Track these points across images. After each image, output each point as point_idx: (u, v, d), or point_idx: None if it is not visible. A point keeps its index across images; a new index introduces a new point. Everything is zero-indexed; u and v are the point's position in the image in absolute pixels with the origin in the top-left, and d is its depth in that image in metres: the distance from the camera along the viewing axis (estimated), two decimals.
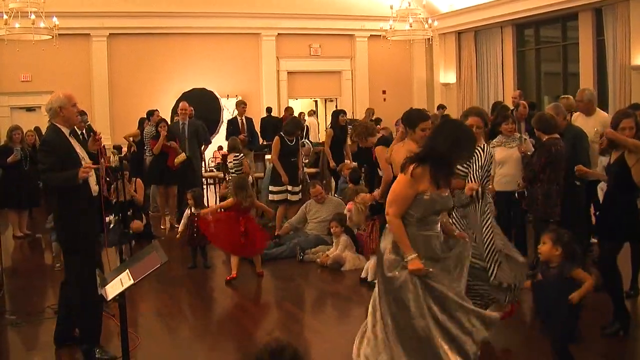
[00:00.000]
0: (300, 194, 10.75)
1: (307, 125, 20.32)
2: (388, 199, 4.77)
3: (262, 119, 18.41)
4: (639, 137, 6.04)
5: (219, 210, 8.93)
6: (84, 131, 8.92)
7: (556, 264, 4.95)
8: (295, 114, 19.89)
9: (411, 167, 4.65)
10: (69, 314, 5.92)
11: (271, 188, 10.66)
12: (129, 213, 9.49)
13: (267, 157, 13.97)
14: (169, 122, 16.20)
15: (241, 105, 14.75)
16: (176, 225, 12.05)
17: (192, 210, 9.10)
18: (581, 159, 7.79)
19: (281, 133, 10.79)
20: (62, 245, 5.85)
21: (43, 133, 6.48)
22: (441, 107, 19.62)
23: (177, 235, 9.41)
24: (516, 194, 8.02)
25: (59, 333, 6.02)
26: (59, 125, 5.66)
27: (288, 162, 10.52)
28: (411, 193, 4.65)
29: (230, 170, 11.73)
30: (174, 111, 18.62)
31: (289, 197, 10.57)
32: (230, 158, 11.85)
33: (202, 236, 9.00)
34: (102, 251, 7.06)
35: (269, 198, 10.74)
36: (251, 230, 8.56)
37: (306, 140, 17.95)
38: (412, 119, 6.29)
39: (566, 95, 11.37)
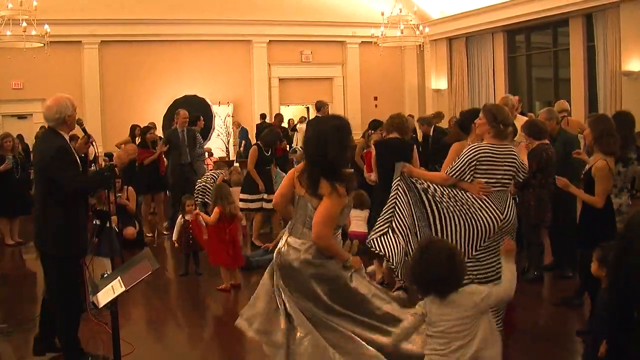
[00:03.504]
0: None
1: (296, 132, 20.37)
2: (320, 220, 4.40)
3: (257, 125, 18.45)
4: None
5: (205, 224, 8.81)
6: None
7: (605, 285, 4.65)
8: (286, 120, 19.95)
9: (338, 187, 4.39)
10: (51, 325, 5.80)
11: (244, 196, 10.56)
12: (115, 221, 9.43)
13: None
14: (162, 129, 16.25)
15: (325, 106, 14.42)
16: (165, 233, 12.08)
17: (186, 217, 9.07)
18: (573, 164, 7.82)
19: (259, 143, 10.81)
20: (55, 254, 5.56)
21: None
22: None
23: (175, 245, 9.35)
24: None
25: (38, 343, 5.90)
26: (62, 132, 5.59)
27: (263, 170, 10.52)
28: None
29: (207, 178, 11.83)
30: (166, 118, 18.62)
31: (264, 205, 10.53)
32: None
33: (197, 243, 8.98)
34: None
35: (241, 206, 10.62)
36: (237, 240, 8.56)
37: (297, 147, 17.97)
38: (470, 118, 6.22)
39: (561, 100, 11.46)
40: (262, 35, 21.62)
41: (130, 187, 11.00)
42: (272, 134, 10.98)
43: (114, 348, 4.52)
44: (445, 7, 21.59)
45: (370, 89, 23.08)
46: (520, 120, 8.56)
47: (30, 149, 13.84)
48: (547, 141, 7.63)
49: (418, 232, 5.46)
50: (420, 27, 19.28)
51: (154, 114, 18.66)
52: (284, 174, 12.49)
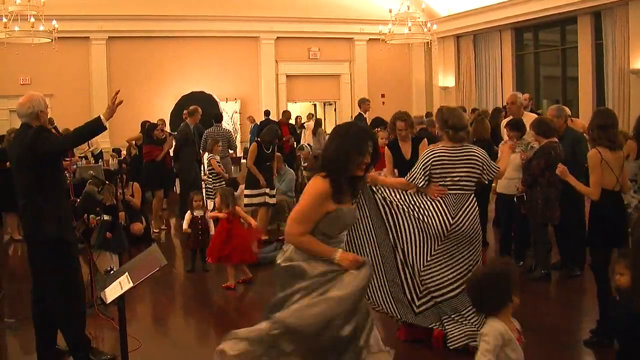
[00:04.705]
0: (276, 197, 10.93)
1: (304, 130, 20.33)
2: (292, 216, 4.30)
3: (261, 122, 18.41)
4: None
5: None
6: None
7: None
8: (293, 117, 19.93)
9: (324, 183, 4.22)
10: (49, 324, 5.64)
11: (247, 192, 10.61)
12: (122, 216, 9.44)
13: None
14: (169, 125, 16.25)
15: (366, 103, 14.47)
16: (164, 227, 12.12)
17: (194, 213, 9.08)
18: (580, 162, 7.78)
19: (258, 140, 10.86)
20: (56, 236, 5.39)
21: None
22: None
23: (184, 229, 9.33)
24: (515, 199, 8.02)
25: (41, 346, 5.68)
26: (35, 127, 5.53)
27: (264, 166, 10.56)
28: (321, 211, 4.20)
29: (208, 170, 11.84)
30: (174, 115, 18.64)
31: (267, 199, 10.57)
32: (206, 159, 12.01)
33: (206, 239, 8.97)
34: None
35: (245, 202, 10.63)
36: (245, 237, 8.54)
37: (305, 144, 17.96)
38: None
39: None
40: (269, 31, 21.63)
41: (135, 183, 10.98)
42: (271, 132, 11.04)
43: (122, 344, 4.52)
44: (453, 4, 21.55)
45: (378, 87, 23.07)
46: (528, 118, 8.54)
47: None
48: (555, 139, 7.60)
49: (377, 244, 5.65)
50: (428, 25, 19.26)
51: (161, 110, 18.70)
52: (291, 170, 12.57)
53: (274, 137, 10.90)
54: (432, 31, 19.32)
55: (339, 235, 4.38)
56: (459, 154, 5.65)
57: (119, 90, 5.69)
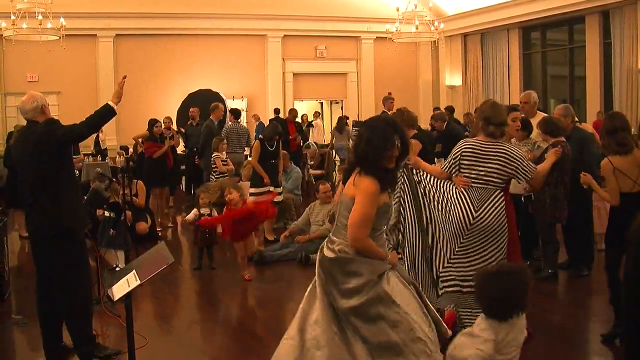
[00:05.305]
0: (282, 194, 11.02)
1: (312, 128, 20.31)
2: (353, 221, 4.21)
3: (270, 120, 18.43)
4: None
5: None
6: None
7: None
8: (300, 115, 19.94)
9: (370, 183, 4.23)
10: (54, 321, 5.63)
11: (252, 190, 10.60)
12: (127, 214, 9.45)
13: None
14: (176, 123, 16.25)
15: (389, 101, 14.56)
16: (171, 225, 12.14)
17: (201, 211, 9.09)
18: (587, 161, 7.75)
19: (261, 137, 10.89)
20: (72, 224, 5.43)
21: None
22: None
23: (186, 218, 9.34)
24: (522, 198, 7.99)
25: (47, 342, 5.66)
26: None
27: (268, 164, 10.57)
28: (376, 209, 4.26)
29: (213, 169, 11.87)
30: (180, 112, 18.65)
31: None
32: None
33: (212, 236, 8.97)
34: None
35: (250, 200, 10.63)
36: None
37: (312, 142, 17.95)
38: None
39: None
40: (276, 30, 21.63)
41: (139, 181, 10.94)
42: (271, 128, 11.08)
43: (128, 341, 4.52)
44: (461, 3, 21.52)
45: (385, 85, 22.98)
46: (538, 117, 8.50)
47: None
48: (563, 138, 7.57)
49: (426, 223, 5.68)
50: (435, 23, 19.24)
51: (168, 107, 18.72)
52: (298, 168, 12.56)
53: (274, 133, 10.89)
54: (440, 30, 19.31)
55: (383, 227, 4.46)
56: (490, 150, 5.60)
57: (126, 76, 6.00)
